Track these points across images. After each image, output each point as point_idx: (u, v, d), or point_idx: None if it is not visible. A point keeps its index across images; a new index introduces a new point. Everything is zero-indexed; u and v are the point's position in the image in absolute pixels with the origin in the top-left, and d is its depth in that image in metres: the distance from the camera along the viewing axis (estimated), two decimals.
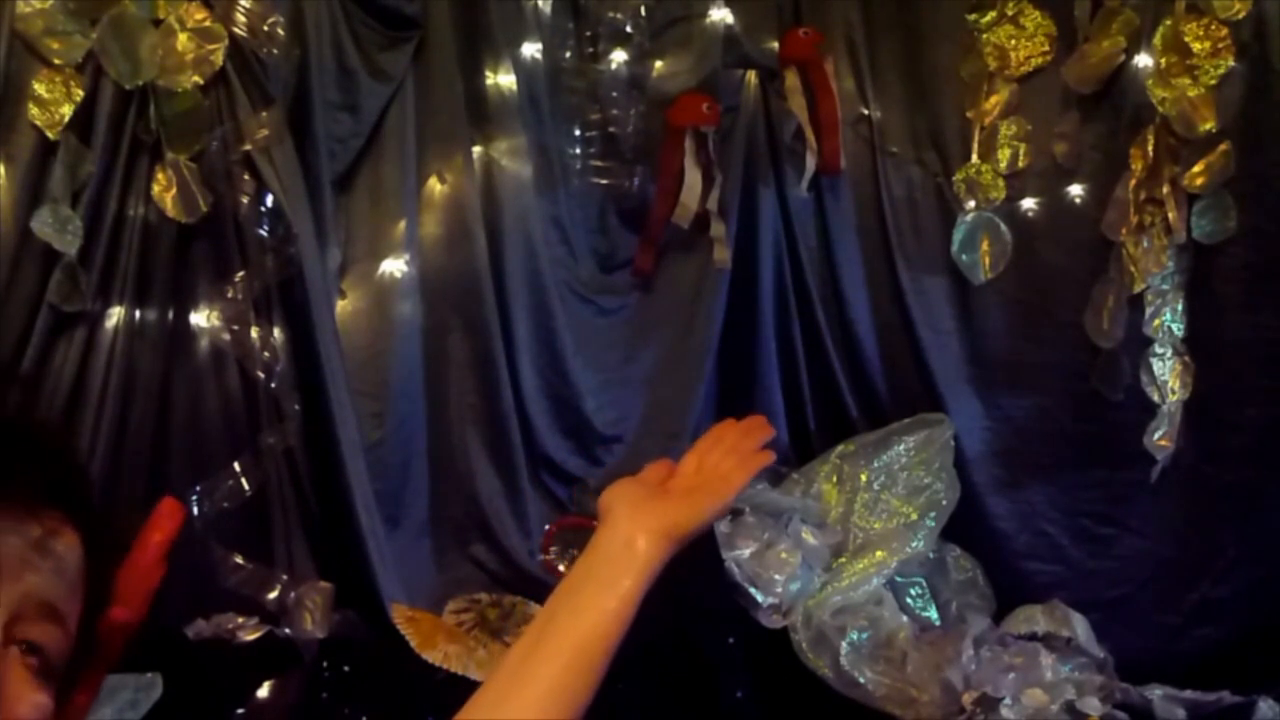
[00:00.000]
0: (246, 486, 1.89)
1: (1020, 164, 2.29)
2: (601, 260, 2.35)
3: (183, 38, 1.80)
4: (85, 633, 0.84)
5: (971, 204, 2.30)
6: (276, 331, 1.92)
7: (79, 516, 0.84)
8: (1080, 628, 2.15)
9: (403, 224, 2.09)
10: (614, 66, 2.25)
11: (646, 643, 2.04)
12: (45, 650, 0.79)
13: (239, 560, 1.91)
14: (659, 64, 2.29)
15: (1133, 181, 2.18)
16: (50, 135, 1.76)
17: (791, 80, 2.30)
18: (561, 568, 2.20)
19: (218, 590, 1.90)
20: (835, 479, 2.29)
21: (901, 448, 2.30)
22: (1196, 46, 2.09)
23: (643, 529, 0.94)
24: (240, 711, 1.88)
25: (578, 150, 2.27)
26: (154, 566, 0.96)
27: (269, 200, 1.87)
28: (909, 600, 2.23)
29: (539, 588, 2.13)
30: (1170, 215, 2.16)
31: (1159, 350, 2.23)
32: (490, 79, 2.16)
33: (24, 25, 1.73)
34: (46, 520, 0.81)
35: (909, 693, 1.96)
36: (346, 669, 1.93)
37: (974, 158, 2.30)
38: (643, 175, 2.30)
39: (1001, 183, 2.29)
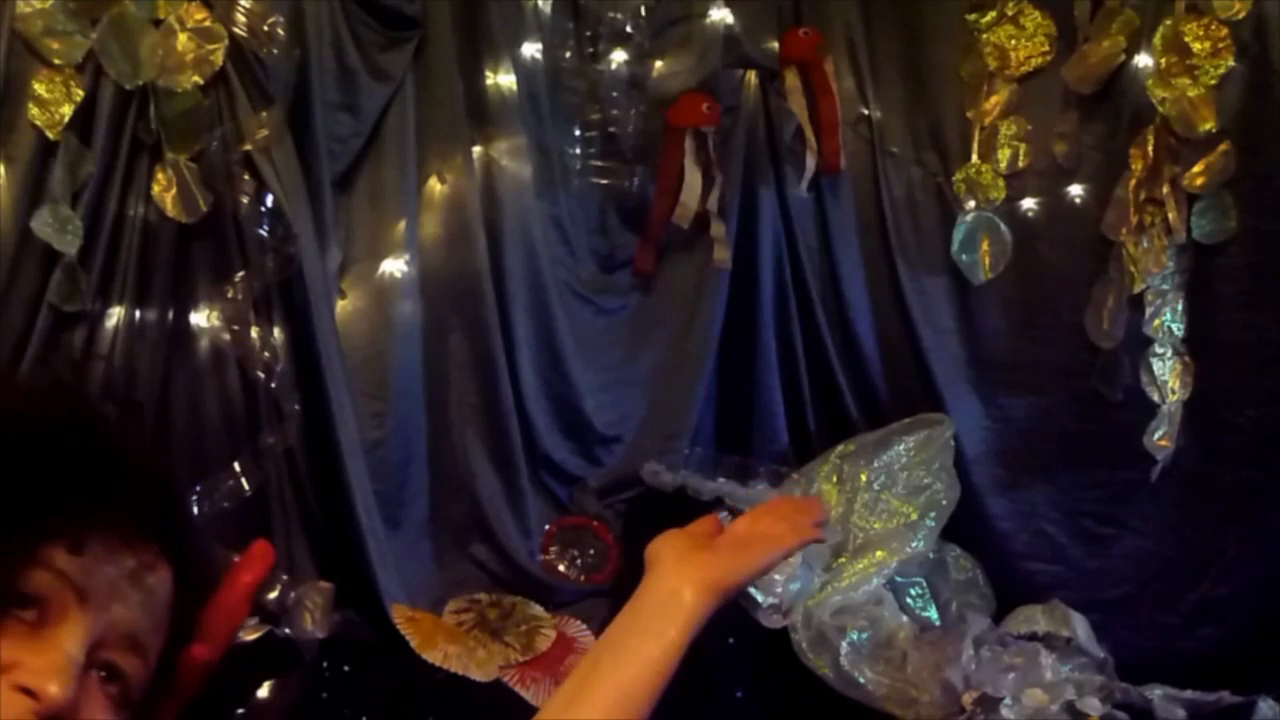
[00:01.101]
0: (246, 486, 1.89)
1: (1020, 164, 2.29)
2: (601, 260, 2.35)
3: (183, 38, 1.80)
4: (165, 666, 0.84)
5: (971, 204, 2.30)
6: (276, 331, 1.91)
7: (173, 552, 0.85)
8: (1080, 628, 2.15)
9: (403, 224, 2.09)
10: (614, 66, 2.25)
11: None
12: (125, 680, 0.80)
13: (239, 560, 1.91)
14: (659, 64, 2.29)
15: (1133, 181, 2.18)
16: (50, 135, 1.76)
17: (791, 80, 2.31)
18: (561, 568, 2.20)
19: None
20: (835, 479, 2.29)
21: (901, 448, 2.30)
22: (1196, 46, 2.09)
23: (689, 581, 0.95)
24: (240, 711, 1.87)
25: (578, 150, 2.27)
26: (239, 606, 0.96)
27: (269, 200, 1.87)
28: (909, 600, 2.23)
29: (539, 588, 2.13)
30: (1170, 215, 2.16)
31: (1159, 350, 2.23)
32: (490, 79, 2.16)
33: (24, 25, 1.73)
34: (142, 553, 0.82)
35: (909, 693, 1.96)
36: (346, 669, 1.93)
37: (974, 158, 2.30)
38: (643, 175, 2.30)
39: (1001, 183, 2.29)
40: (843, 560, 2.20)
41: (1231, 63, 2.09)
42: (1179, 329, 2.23)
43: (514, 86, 2.16)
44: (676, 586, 0.95)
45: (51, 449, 0.81)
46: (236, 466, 1.90)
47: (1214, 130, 2.11)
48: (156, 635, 0.83)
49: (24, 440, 0.81)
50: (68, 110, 1.77)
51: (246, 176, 1.86)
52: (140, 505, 0.83)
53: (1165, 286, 2.22)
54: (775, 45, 2.33)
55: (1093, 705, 1.95)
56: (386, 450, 2.07)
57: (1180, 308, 2.23)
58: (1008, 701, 1.95)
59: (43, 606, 0.76)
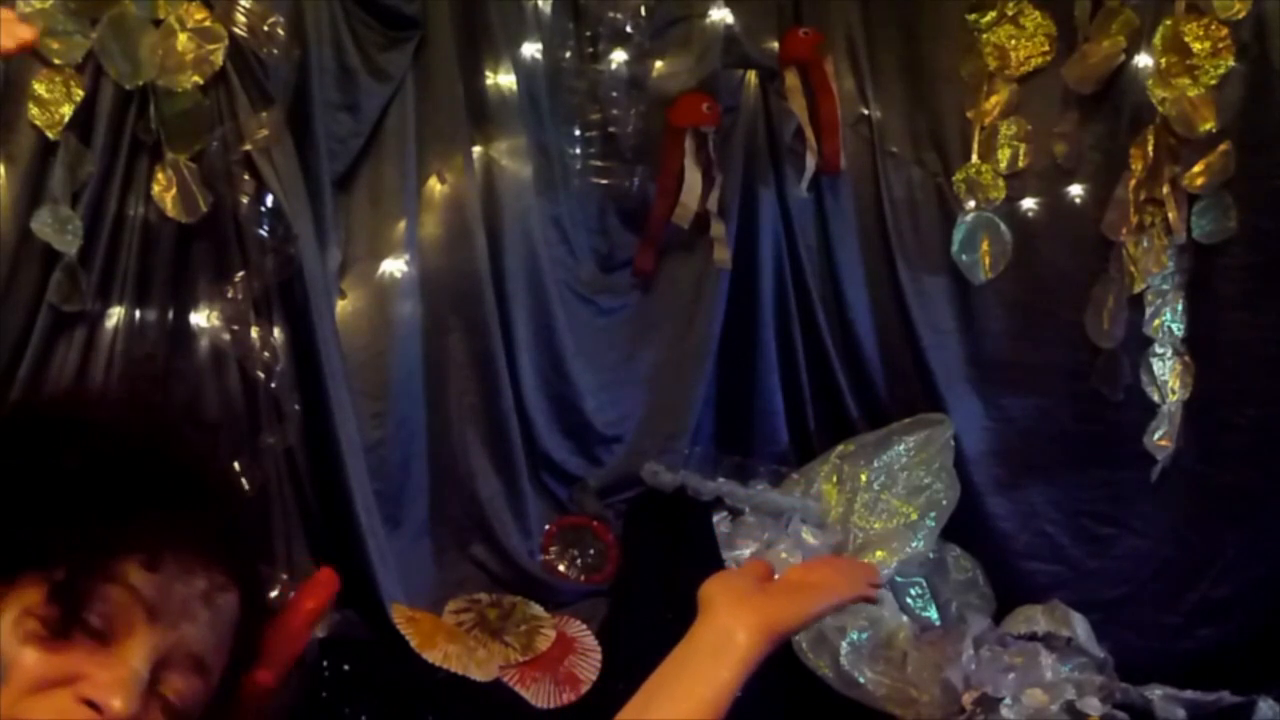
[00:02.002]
0: (246, 486, 1.89)
1: (1020, 164, 2.29)
2: (601, 260, 2.35)
3: (183, 38, 1.80)
4: (226, 688, 0.85)
5: (971, 204, 2.30)
6: (276, 331, 1.91)
7: (242, 576, 0.86)
8: (1080, 628, 2.15)
9: (403, 224, 2.09)
10: (614, 66, 2.25)
11: (647, 642, 2.04)
12: (186, 700, 0.80)
13: None
14: (659, 64, 2.29)
15: (1133, 181, 2.18)
16: (50, 135, 1.76)
17: (791, 80, 2.31)
18: (561, 568, 2.20)
19: None
20: (835, 479, 2.29)
21: (901, 448, 2.30)
22: (1196, 46, 2.09)
23: (743, 623, 0.94)
24: None
25: (578, 150, 2.27)
26: (302, 631, 0.96)
27: (269, 200, 1.87)
28: (909, 600, 2.24)
29: (539, 588, 2.13)
30: (1170, 215, 2.16)
31: (1159, 350, 2.23)
32: (490, 79, 2.16)
33: None
34: (213, 574, 0.83)
35: (909, 693, 1.96)
36: (346, 669, 1.93)
37: (974, 158, 2.30)
38: (643, 175, 2.30)
39: (1001, 183, 2.29)
40: None
41: (1231, 63, 2.09)
42: (1179, 329, 2.23)
43: (514, 86, 2.16)
44: (730, 628, 0.94)
45: (133, 464, 0.82)
46: (236, 466, 1.90)
47: (1214, 130, 2.11)
48: (220, 656, 0.84)
49: (106, 454, 0.82)
50: (68, 110, 1.76)
51: (246, 176, 1.86)
52: (216, 526, 0.84)
53: (1165, 286, 2.22)
54: (775, 45, 2.33)
55: (1093, 705, 1.95)
56: (386, 450, 2.07)
57: (1180, 308, 2.23)
58: (1008, 701, 1.95)
59: (112, 621, 0.76)
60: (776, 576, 1.05)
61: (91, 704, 0.73)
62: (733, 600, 0.97)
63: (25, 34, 0.74)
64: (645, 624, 2.04)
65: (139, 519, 0.79)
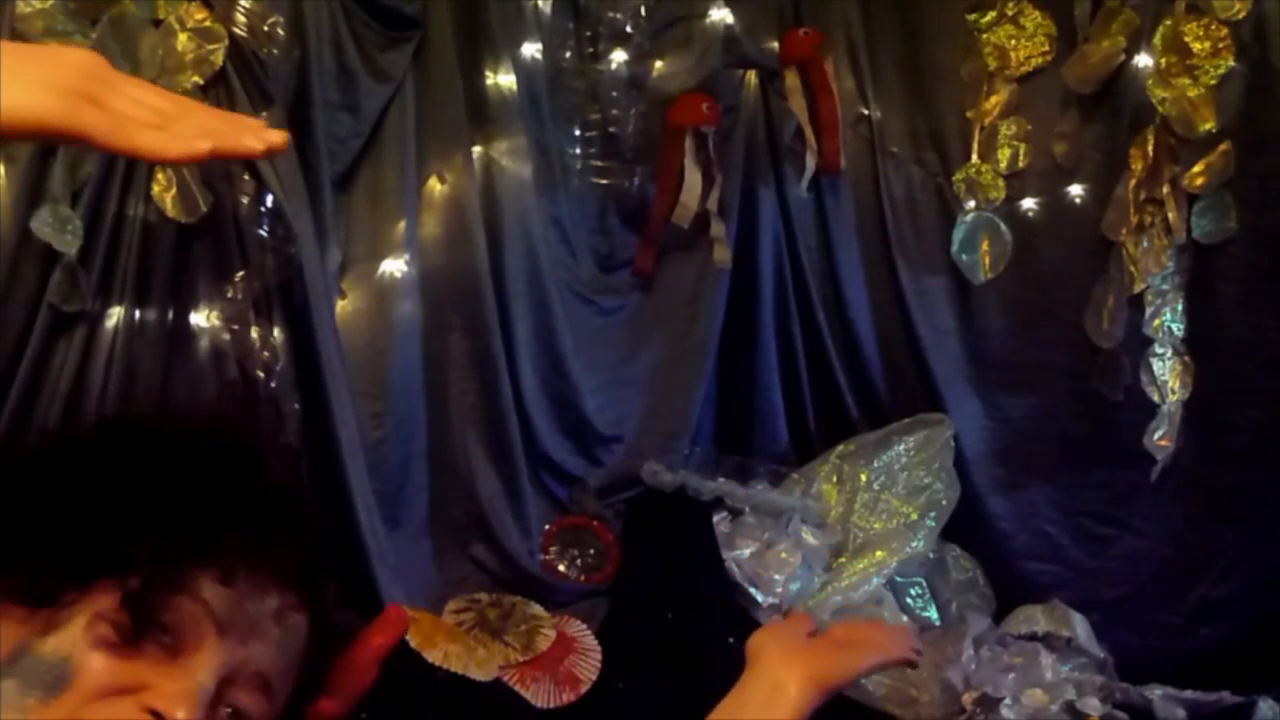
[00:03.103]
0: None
1: (1020, 164, 2.29)
2: (601, 260, 2.35)
3: (183, 38, 1.80)
4: (290, 714, 0.85)
5: (971, 204, 2.30)
6: (276, 331, 1.91)
7: (313, 602, 0.87)
8: (1080, 628, 2.15)
9: (403, 224, 2.08)
10: (614, 66, 2.25)
11: (647, 642, 2.04)
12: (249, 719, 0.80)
13: None
14: (659, 64, 2.29)
15: (1133, 181, 2.18)
16: None
17: (791, 80, 2.31)
18: (561, 568, 2.20)
19: None
20: (835, 479, 2.30)
21: (901, 448, 2.31)
22: (1196, 46, 2.10)
23: (795, 676, 0.96)
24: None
25: (578, 150, 2.27)
26: (369, 667, 0.97)
27: (269, 200, 1.87)
28: (909, 600, 2.24)
29: (539, 588, 2.13)
30: (1170, 215, 2.16)
31: (1159, 350, 2.23)
32: (490, 79, 2.16)
33: (24, 25, 1.73)
34: (286, 597, 0.84)
35: (909, 693, 1.96)
36: None
37: (974, 158, 2.30)
38: (643, 175, 2.30)
39: (1001, 183, 2.29)
40: (843, 560, 2.20)
41: (1231, 63, 2.09)
42: (1179, 329, 2.23)
43: (514, 86, 2.16)
44: (783, 680, 0.96)
45: (216, 481, 0.83)
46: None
47: (1214, 130, 2.11)
48: (286, 681, 0.84)
49: (189, 469, 0.83)
50: None
51: (246, 176, 1.86)
52: (292, 549, 0.85)
53: (1165, 286, 2.22)
54: (775, 45, 2.33)
55: (1093, 705, 1.95)
56: (386, 450, 2.07)
57: (1180, 308, 2.23)
58: (1008, 701, 1.95)
59: (181, 633, 0.77)
60: (818, 628, 1.07)
61: (156, 714, 0.74)
62: (784, 652, 0.98)
63: (276, 139, 0.74)
64: (645, 624, 2.04)
65: (219, 535, 0.80)
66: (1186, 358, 2.24)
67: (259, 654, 0.81)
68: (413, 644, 1.90)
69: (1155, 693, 2.04)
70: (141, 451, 0.84)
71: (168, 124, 0.70)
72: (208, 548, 0.79)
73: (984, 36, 2.28)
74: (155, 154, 0.69)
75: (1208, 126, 2.11)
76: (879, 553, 2.18)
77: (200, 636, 0.78)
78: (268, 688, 0.82)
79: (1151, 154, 2.16)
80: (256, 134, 0.73)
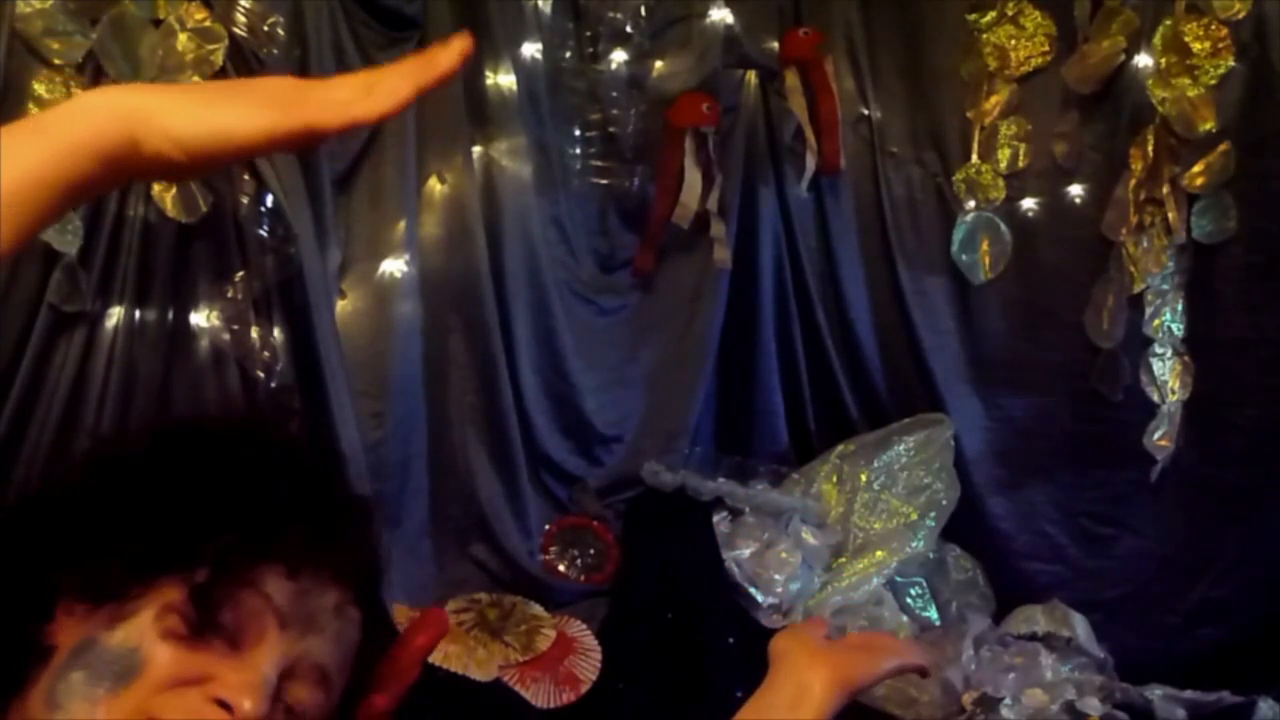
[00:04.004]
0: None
1: (1020, 164, 2.29)
2: (601, 260, 2.35)
3: (183, 38, 1.80)
4: (345, 708, 0.87)
5: (971, 204, 2.30)
6: (276, 331, 1.91)
7: (366, 599, 0.89)
8: (1080, 628, 2.15)
9: (403, 224, 2.08)
10: (614, 66, 2.25)
11: (647, 642, 2.04)
12: (308, 711, 0.83)
13: None
14: (659, 64, 2.29)
15: (1133, 181, 2.18)
16: None
17: (791, 80, 2.31)
18: (561, 568, 2.20)
19: None
20: (835, 479, 2.29)
21: (901, 448, 2.30)
22: (1196, 46, 2.10)
23: (819, 677, 0.98)
24: None
25: (578, 150, 2.27)
26: (413, 666, 0.99)
27: (269, 200, 1.87)
28: (909, 600, 2.24)
29: (539, 588, 2.13)
30: (1170, 215, 2.16)
31: (1159, 350, 2.23)
32: (490, 79, 2.16)
33: (24, 25, 1.73)
34: (342, 593, 0.86)
35: (909, 693, 1.96)
36: None
37: (974, 158, 2.30)
38: (643, 175, 2.30)
39: (1001, 183, 2.29)
40: (843, 560, 2.20)
41: (1231, 63, 2.09)
42: (1179, 329, 2.23)
43: (514, 86, 2.16)
44: (808, 681, 0.98)
45: (277, 481, 0.86)
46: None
47: (1214, 130, 2.11)
48: (342, 675, 0.86)
49: (249, 470, 0.85)
50: None
51: (246, 176, 1.86)
52: (352, 549, 0.88)
53: (1165, 286, 2.22)
54: (775, 45, 2.33)
55: (1093, 705, 1.95)
56: (386, 450, 2.07)
57: (1180, 308, 2.23)
58: (1008, 701, 1.95)
59: (244, 626, 0.79)
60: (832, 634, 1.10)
61: (223, 704, 0.75)
62: (809, 655, 1.00)
63: (461, 44, 0.77)
64: (645, 624, 2.04)
65: (283, 532, 0.82)
66: (1186, 358, 2.24)
67: (318, 647, 0.83)
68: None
69: (1155, 693, 2.04)
70: (203, 452, 0.86)
71: (370, 91, 0.74)
72: (272, 544, 0.81)
73: (984, 36, 2.28)
74: (372, 115, 0.73)
75: (1208, 126, 2.11)
76: (879, 553, 2.18)
77: (262, 629, 0.79)
78: (326, 680, 0.84)
79: (1151, 154, 2.16)
80: (446, 54, 0.76)
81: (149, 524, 0.80)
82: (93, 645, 0.77)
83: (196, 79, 1.81)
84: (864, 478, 2.28)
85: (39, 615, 0.80)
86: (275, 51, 1.86)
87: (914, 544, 2.20)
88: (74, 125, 0.69)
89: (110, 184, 0.71)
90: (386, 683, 0.95)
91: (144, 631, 0.77)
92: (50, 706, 0.76)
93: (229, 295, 1.88)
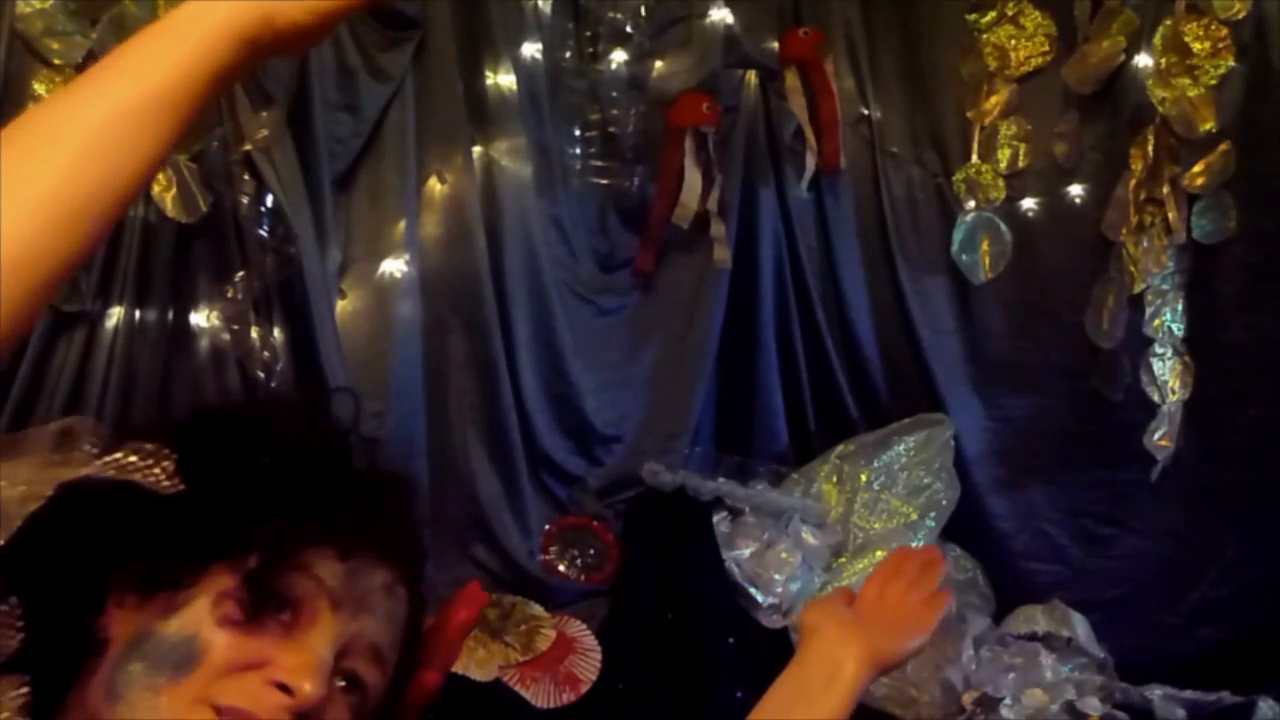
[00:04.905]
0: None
1: (1020, 164, 2.29)
2: (601, 260, 2.35)
3: None
4: (397, 684, 0.89)
5: (971, 204, 2.30)
6: (276, 331, 1.91)
7: (411, 578, 0.91)
8: (1080, 628, 2.15)
9: (403, 224, 2.08)
10: (614, 66, 2.24)
11: (647, 642, 2.04)
12: (364, 690, 0.84)
13: None
14: (659, 64, 2.29)
15: (1133, 181, 2.18)
16: None
17: (791, 80, 2.30)
18: (561, 568, 2.20)
19: None
20: (835, 479, 2.29)
21: (901, 448, 2.30)
22: (1196, 46, 2.10)
23: (852, 655, 1.00)
24: None
25: (578, 150, 2.27)
26: (455, 642, 1.01)
27: (269, 200, 1.87)
28: None
29: (539, 588, 2.13)
30: (1170, 215, 2.16)
31: (1159, 350, 2.23)
32: (490, 79, 2.16)
33: (24, 25, 1.73)
34: (389, 573, 0.87)
35: (909, 693, 1.96)
36: None
37: (974, 158, 2.30)
38: (643, 175, 2.30)
39: (1001, 183, 2.29)
40: (843, 560, 2.20)
41: (1231, 63, 2.09)
42: (1179, 329, 2.23)
43: (514, 86, 2.16)
44: (841, 658, 1.00)
45: (329, 467, 0.88)
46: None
47: (1214, 130, 2.11)
48: (394, 652, 0.87)
49: (296, 456, 0.87)
50: None
51: (246, 176, 1.86)
52: (400, 529, 0.90)
53: (1165, 286, 2.22)
54: (775, 45, 2.33)
55: (1093, 705, 1.95)
56: (387, 450, 2.07)
57: (1180, 308, 2.23)
58: (1008, 701, 1.95)
59: (298, 609, 0.80)
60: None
61: (283, 686, 0.76)
62: (841, 631, 1.03)
63: None
64: (645, 624, 2.04)
65: (334, 515, 0.84)
66: (1186, 358, 2.24)
67: (371, 626, 0.84)
68: None
69: (1155, 693, 2.04)
70: (246, 438, 0.87)
71: None
72: (323, 527, 0.83)
73: (984, 36, 2.28)
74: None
75: (1208, 126, 2.11)
76: (879, 553, 2.17)
77: (316, 611, 0.81)
78: (380, 658, 0.85)
79: (1151, 154, 2.16)
80: None
81: (200, 512, 0.82)
82: (149, 636, 0.78)
83: None
84: (864, 478, 2.28)
85: (91, 608, 0.81)
86: None
87: (914, 544, 2.20)
88: (212, 11, 0.71)
89: (249, 64, 0.74)
90: (432, 660, 0.96)
91: (200, 619, 0.78)
92: (111, 699, 0.76)
93: (229, 295, 1.88)
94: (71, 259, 0.67)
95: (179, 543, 0.80)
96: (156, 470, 0.84)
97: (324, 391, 1.00)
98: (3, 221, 0.63)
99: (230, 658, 0.77)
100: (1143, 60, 2.16)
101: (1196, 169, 2.13)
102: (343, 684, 0.82)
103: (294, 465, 0.86)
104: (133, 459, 0.85)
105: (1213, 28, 2.09)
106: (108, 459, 0.85)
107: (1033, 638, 2.13)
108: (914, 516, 2.24)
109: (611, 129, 2.26)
